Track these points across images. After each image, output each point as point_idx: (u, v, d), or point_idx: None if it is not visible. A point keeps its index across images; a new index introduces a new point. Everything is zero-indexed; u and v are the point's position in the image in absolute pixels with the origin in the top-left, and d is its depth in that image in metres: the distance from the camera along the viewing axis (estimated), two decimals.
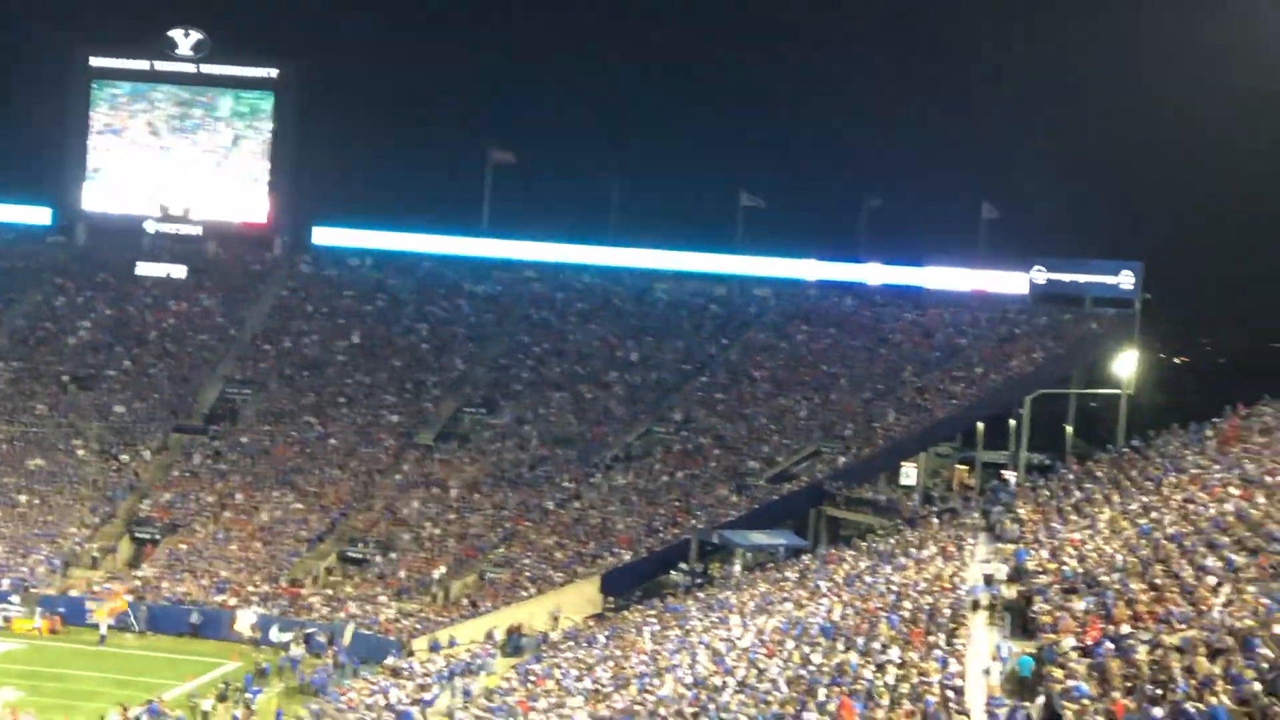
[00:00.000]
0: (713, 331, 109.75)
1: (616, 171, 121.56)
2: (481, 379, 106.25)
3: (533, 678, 57.61)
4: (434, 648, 70.42)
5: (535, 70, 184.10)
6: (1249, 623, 32.68)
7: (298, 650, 74.24)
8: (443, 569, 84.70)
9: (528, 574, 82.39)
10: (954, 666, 38.67)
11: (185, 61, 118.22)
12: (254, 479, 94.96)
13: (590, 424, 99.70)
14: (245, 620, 79.51)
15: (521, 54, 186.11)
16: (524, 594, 79.94)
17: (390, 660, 68.34)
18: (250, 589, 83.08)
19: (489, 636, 71.70)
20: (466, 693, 59.65)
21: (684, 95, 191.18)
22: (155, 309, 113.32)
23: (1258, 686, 28.52)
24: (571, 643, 66.27)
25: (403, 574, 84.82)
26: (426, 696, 59.25)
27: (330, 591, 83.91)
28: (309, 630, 76.97)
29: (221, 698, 65.01)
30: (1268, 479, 48.42)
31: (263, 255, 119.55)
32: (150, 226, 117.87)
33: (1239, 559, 39.28)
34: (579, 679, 54.36)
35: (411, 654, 70.67)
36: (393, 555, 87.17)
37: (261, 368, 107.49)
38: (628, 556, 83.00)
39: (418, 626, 77.29)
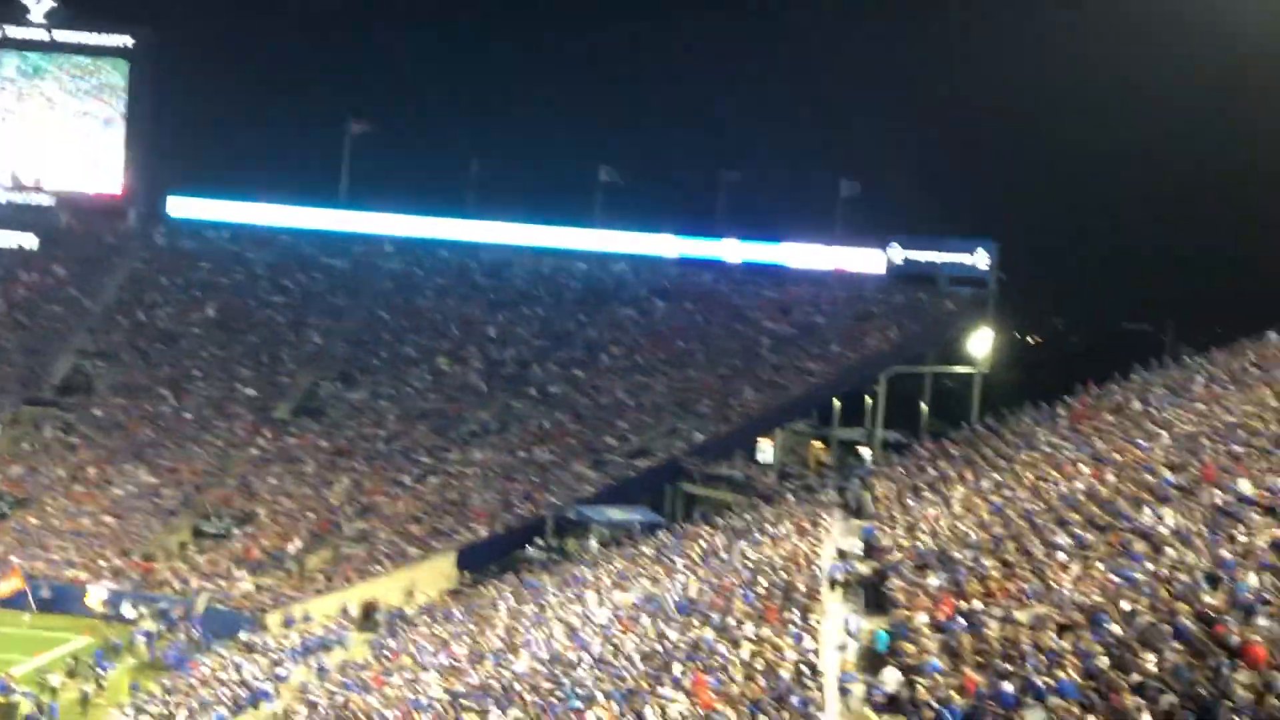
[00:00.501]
0: (571, 307, 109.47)
1: (475, 144, 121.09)
2: (339, 353, 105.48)
3: (388, 653, 57.48)
4: (289, 623, 70.02)
5: (394, 40, 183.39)
6: (1098, 599, 33.10)
7: (152, 625, 73.37)
8: (298, 543, 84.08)
9: (384, 549, 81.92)
10: (808, 642, 38.89)
11: (38, 28, 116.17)
12: (106, 452, 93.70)
13: (448, 399, 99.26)
14: (96, 595, 78.38)
15: (381, 23, 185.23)
16: (380, 569, 79.52)
17: (244, 635, 67.84)
18: (102, 563, 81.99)
19: (344, 611, 71.40)
20: (322, 668, 59.37)
21: (543, 69, 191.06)
22: (6, 279, 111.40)
23: (1105, 662, 28.91)
24: (427, 618, 66.12)
25: (257, 549, 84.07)
26: (281, 671, 58.96)
27: (183, 566, 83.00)
28: (162, 606, 76.10)
29: (71, 673, 64.34)
30: (1117, 457, 49.07)
31: (116, 226, 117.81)
32: (0, 195, 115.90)
33: (1089, 536, 39.73)
34: (434, 654, 54.28)
35: (266, 629, 70.24)
36: (248, 529, 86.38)
37: (115, 340, 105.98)
38: (484, 532, 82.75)
39: (272, 601, 76.69)
